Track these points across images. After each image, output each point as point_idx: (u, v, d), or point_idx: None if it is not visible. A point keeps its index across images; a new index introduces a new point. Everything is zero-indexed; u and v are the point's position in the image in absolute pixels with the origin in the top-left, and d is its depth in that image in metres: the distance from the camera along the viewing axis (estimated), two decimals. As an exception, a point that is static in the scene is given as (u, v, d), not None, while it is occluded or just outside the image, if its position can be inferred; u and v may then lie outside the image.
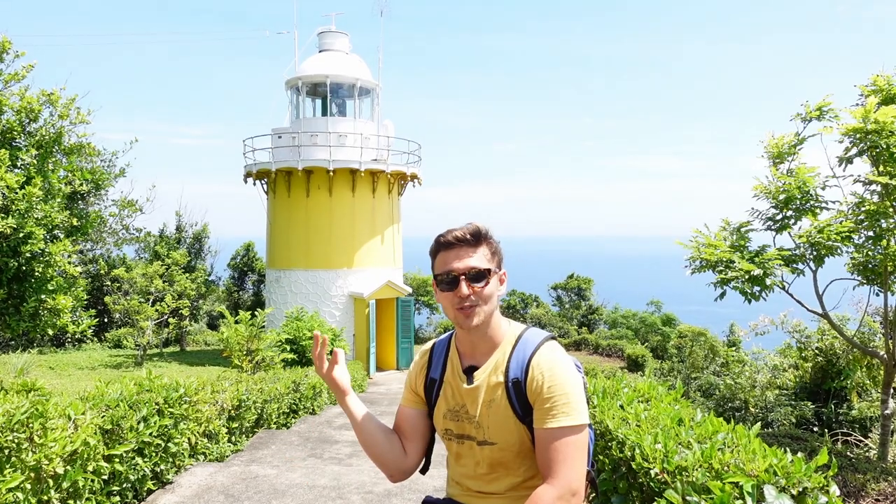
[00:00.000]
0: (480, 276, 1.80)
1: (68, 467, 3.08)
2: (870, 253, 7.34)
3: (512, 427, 1.82)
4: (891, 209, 6.84)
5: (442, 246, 1.85)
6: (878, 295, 7.91)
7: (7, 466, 2.78)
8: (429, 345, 2.08)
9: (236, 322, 10.49)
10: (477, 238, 1.84)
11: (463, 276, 1.79)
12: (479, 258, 1.82)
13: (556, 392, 1.75)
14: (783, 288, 7.33)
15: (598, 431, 3.12)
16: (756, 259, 6.91)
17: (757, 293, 6.92)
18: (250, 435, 6.51)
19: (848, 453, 8.13)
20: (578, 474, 1.71)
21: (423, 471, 2.09)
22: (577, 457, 1.71)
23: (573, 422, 1.73)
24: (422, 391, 2.01)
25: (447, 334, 2.04)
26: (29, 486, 2.83)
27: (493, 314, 1.85)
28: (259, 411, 6.75)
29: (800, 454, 1.94)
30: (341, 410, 9.68)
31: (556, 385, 1.76)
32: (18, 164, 9.07)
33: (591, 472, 1.93)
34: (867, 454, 8.41)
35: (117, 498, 3.63)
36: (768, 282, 6.89)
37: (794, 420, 11.45)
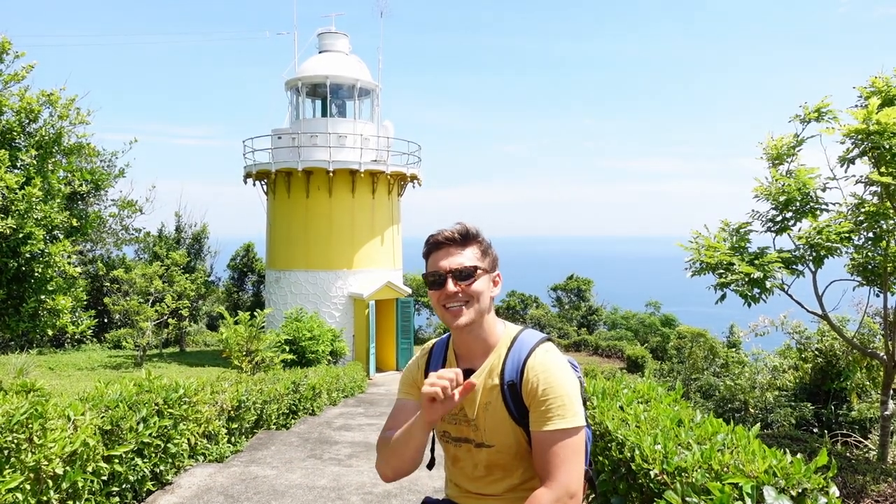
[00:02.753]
0: (467, 273, 1.80)
1: (68, 468, 3.07)
2: (869, 254, 7.34)
3: (509, 429, 1.82)
4: (891, 210, 6.84)
5: (432, 247, 1.86)
6: (877, 296, 7.91)
7: (6, 467, 2.78)
8: (429, 344, 2.08)
9: (236, 323, 10.49)
10: (465, 238, 1.84)
11: (450, 275, 1.79)
12: (466, 257, 1.82)
13: (552, 395, 1.75)
14: (783, 289, 7.33)
15: (597, 432, 3.12)
16: (756, 262, 6.91)
17: (757, 296, 6.92)
18: (250, 436, 6.51)
19: (847, 454, 8.12)
20: (576, 477, 1.71)
21: (430, 466, 2.10)
22: (573, 459, 1.71)
23: (569, 424, 1.73)
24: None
25: (447, 335, 2.04)
26: (28, 487, 2.83)
27: (484, 315, 1.85)
28: (259, 412, 6.75)
29: (799, 455, 1.94)
30: (341, 411, 9.70)
31: (551, 387, 1.75)
32: (18, 164, 9.07)
33: (589, 470, 1.93)
34: (867, 455, 8.41)
35: (117, 499, 3.63)
36: (768, 284, 6.89)
37: (793, 421, 11.45)
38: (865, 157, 6.82)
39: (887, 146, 6.35)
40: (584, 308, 32.02)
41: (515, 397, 1.80)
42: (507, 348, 1.86)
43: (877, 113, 6.34)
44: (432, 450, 2.12)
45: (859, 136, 6.55)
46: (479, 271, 1.82)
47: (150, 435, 3.91)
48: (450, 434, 1.93)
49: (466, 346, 1.90)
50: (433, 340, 2.08)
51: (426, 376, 2.00)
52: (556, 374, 1.78)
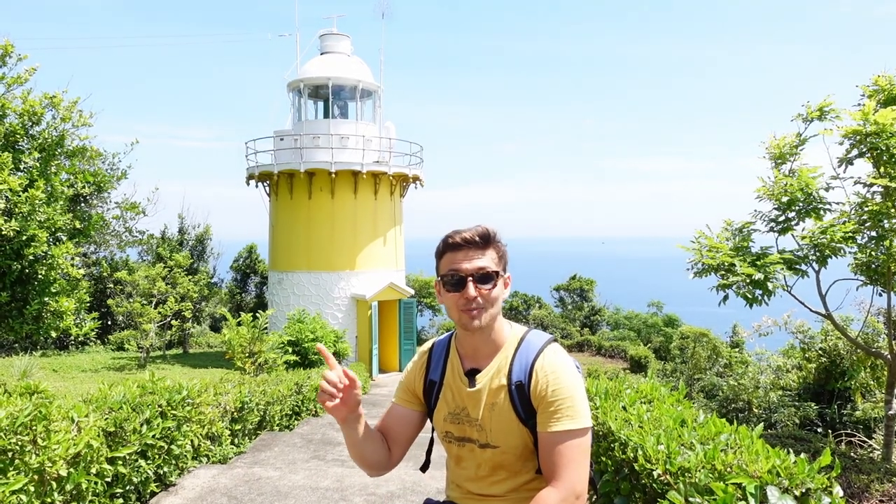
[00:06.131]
0: (488, 277, 1.79)
1: (71, 469, 3.08)
2: (873, 253, 7.32)
3: (515, 430, 1.82)
4: (893, 210, 6.82)
5: (449, 247, 1.83)
6: (881, 295, 7.89)
7: (10, 469, 2.79)
8: (427, 345, 2.06)
9: (238, 324, 10.50)
10: (485, 240, 1.82)
11: (470, 278, 1.77)
12: (486, 260, 1.80)
13: (560, 395, 1.75)
14: (786, 289, 7.31)
15: (600, 433, 3.12)
16: (758, 263, 6.89)
17: (759, 297, 6.90)
18: (253, 437, 6.52)
19: (852, 454, 8.10)
20: (582, 477, 1.71)
21: (423, 469, 2.09)
22: (580, 460, 1.71)
23: (577, 425, 1.73)
24: (421, 393, 2.00)
25: (447, 334, 2.02)
26: (32, 489, 2.84)
27: (496, 317, 1.85)
28: (262, 413, 6.76)
29: (803, 455, 1.93)
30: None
31: (560, 388, 1.76)
32: (21, 167, 9.09)
33: (591, 471, 1.93)
34: (871, 455, 8.39)
35: (120, 500, 3.64)
36: (770, 286, 6.87)
37: (797, 421, 11.42)
38: (865, 157, 6.81)
39: (885, 147, 6.34)
40: (586, 308, 31.99)
41: (523, 398, 1.80)
42: (514, 349, 1.86)
43: (874, 113, 6.33)
44: (428, 452, 2.11)
45: (857, 137, 6.54)
46: (498, 275, 1.81)
47: (153, 436, 3.92)
48: (452, 434, 1.92)
49: (473, 347, 1.89)
50: (431, 340, 2.06)
51: (426, 380, 1.99)
52: (564, 376, 1.78)
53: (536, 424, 1.79)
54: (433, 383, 1.97)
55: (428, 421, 2.03)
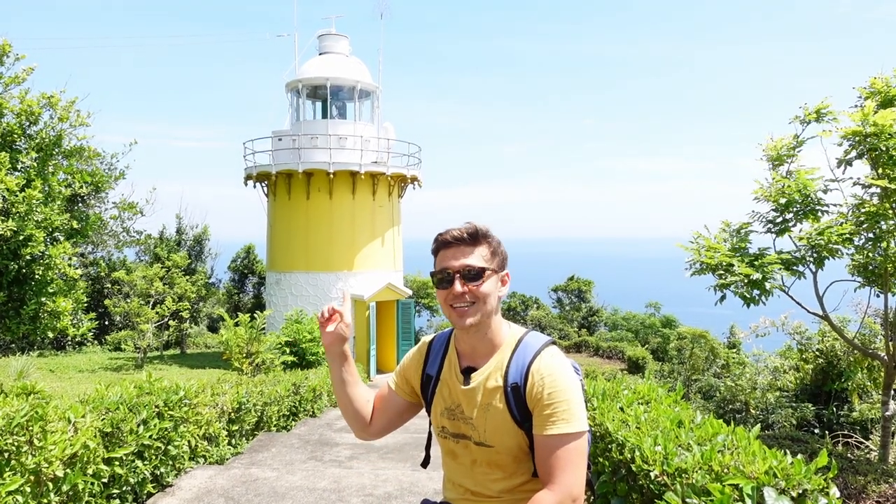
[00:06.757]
0: (476, 274, 1.79)
1: (68, 470, 3.07)
2: (870, 254, 7.33)
3: (510, 431, 1.82)
4: (890, 211, 6.84)
5: (441, 245, 1.85)
6: (878, 296, 7.90)
7: (7, 469, 2.78)
8: (428, 338, 2.06)
9: (236, 325, 10.49)
10: (474, 238, 1.83)
11: (458, 274, 1.78)
12: (475, 257, 1.81)
13: (556, 399, 1.74)
14: (783, 290, 7.33)
15: (598, 433, 3.12)
16: (756, 263, 6.90)
17: (757, 297, 6.91)
18: (250, 438, 6.51)
19: (848, 455, 8.11)
20: (579, 480, 1.71)
21: (424, 464, 2.11)
22: (577, 463, 1.71)
23: (573, 429, 1.72)
24: (417, 384, 2.01)
25: (448, 330, 2.02)
26: (29, 490, 2.83)
27: (491, 315, 1.84)
28: (259, 414, 6.75)
29: (800, 456, 1.94)
30: (341, 413, 9.64)
31: (556, 392, 1.75)
32: (19, 166, 9.08)
33: (588, 472, 1.93)
34: (868, 456, 8.40)
35: (117, 501, 3.63)
36: (767, 286, 6.88)
37: (794, 422, 11.45)
38: (864, 159, 6.82)
39: (884, 148, 6.35)
40: (584, 309, 32.00)
41: (518, 400, 1.80)
42: (511, 350, 1.86)
43: (874, 115, 6.34)
44: (427, 447, 2.12)
45: (856, 139, 6.55)
46: (487, 272, 1.81)
47: (150, 437, 3.91)
48: (447, 430, 1.92)
49: (470, 346, 1.89)
50: (433, 335, 2.07)
51: (423, 374, 2.00)
52: (561, 379, 1.77)
53: (532, 427, 1.79)
54: (430, 377, 1.98)
55: (425, 416, 2.04)
